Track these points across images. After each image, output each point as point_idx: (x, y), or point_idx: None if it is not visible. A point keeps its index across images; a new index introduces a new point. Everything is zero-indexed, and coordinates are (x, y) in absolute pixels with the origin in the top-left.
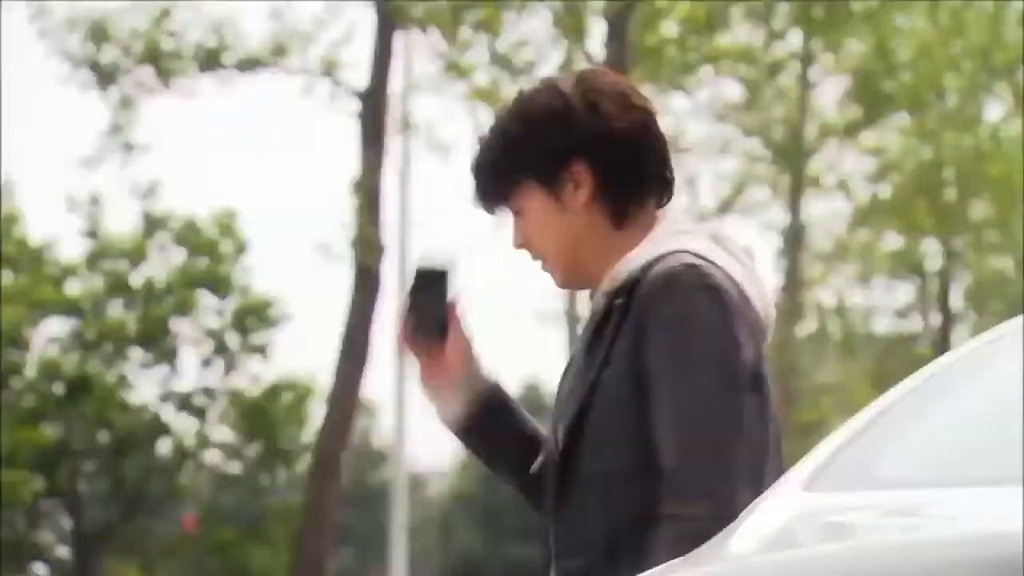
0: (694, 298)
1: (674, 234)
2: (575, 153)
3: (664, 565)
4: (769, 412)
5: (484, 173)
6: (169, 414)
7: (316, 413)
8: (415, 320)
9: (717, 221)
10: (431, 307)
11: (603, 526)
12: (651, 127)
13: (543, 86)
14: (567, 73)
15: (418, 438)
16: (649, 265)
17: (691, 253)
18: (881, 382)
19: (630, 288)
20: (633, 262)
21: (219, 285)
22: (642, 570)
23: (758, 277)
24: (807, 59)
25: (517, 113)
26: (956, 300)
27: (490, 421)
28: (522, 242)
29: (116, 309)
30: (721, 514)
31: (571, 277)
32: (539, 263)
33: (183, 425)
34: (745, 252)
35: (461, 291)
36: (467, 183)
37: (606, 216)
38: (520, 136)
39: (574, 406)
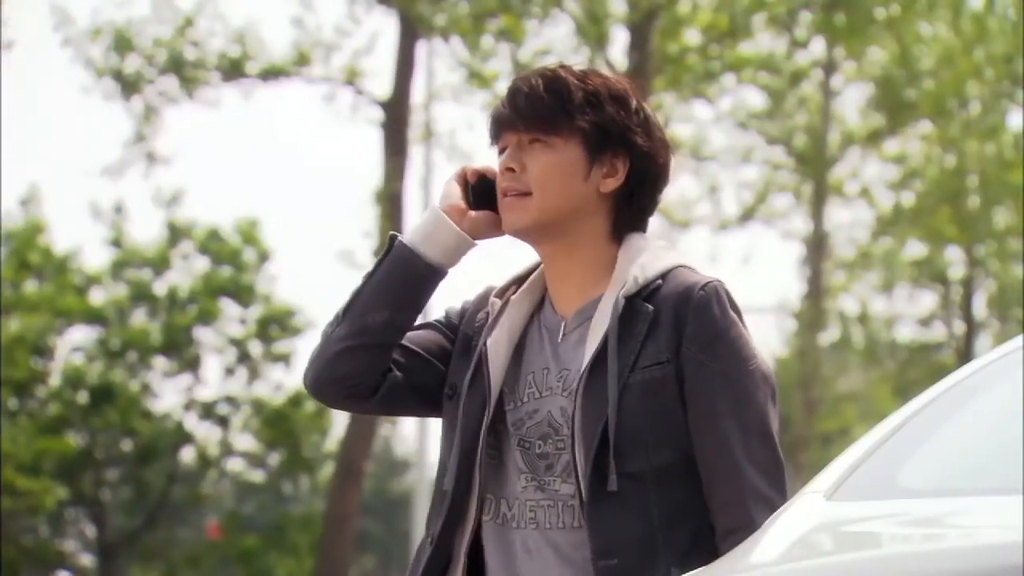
0: (734, 313)
1: (666, 249)
2: (628, 152)
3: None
4: None
5: (553, 102)
6: (192, 422)
7: (338, 421)
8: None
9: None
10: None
11: (640, 525)
12: (668, 173)
13: (632, 84)
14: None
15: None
16: (664, 274)
17: (691, 268)
18: (904, 391)
19: (647, 295)
20: (648, 269)
21: (242, 294)
22: (679, 568)
23: None
24: (830, 67)
25: (616, 85)
26: (979, 308)
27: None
28: (521, 168)
29: (140, 318)
30: None
31: (537, 228)
32: (512, 192)
33: (206, 433)
34: None
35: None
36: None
37: (610, 220)
38: (605, 100)
39: (604, 408)
